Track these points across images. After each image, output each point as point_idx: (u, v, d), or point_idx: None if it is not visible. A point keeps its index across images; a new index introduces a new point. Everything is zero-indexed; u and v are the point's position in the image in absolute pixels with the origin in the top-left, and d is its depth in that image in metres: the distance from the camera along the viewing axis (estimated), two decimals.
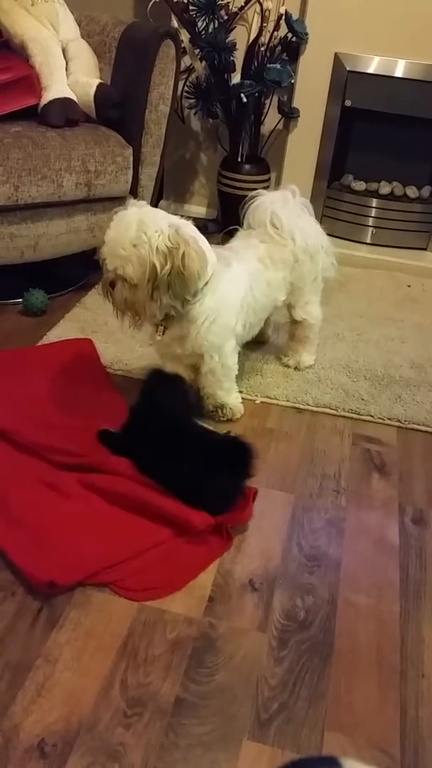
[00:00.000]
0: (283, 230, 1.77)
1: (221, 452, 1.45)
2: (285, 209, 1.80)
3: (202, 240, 1.56)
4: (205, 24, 2.71)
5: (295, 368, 2.00)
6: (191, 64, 2.79)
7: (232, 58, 2.72)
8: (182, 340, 1.63)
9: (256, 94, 2.71)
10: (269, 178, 3.00)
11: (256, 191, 1.87)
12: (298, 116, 2.82)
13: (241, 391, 1.82)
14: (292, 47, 2.70)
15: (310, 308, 1.93)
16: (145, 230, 1.44)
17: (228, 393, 1.74)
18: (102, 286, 1.55)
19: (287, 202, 1.83)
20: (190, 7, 2.67)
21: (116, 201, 2.25)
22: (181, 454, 1.41)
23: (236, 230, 1.88)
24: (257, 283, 1.71)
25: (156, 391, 1.53)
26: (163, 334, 1.61)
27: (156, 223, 1.46)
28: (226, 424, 1.72)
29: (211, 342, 1.62)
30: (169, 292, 1.48)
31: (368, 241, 2.94)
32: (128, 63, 2.28)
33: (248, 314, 1.70)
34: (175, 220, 1.52)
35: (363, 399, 1.90)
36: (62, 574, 1.23)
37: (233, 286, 1.64)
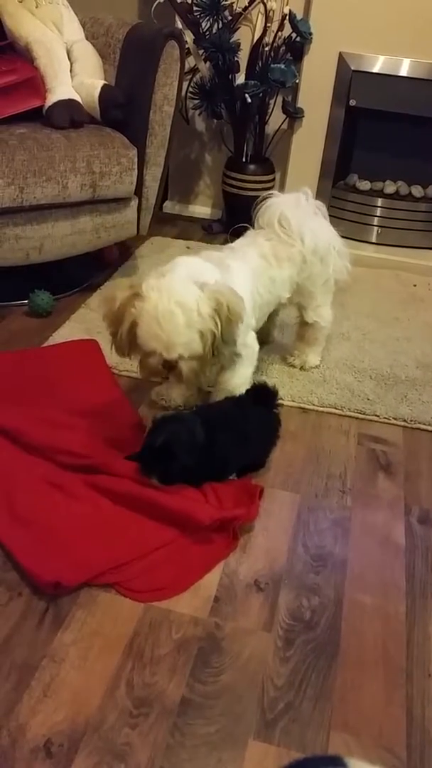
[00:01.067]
0: (292, 231, 1.78)
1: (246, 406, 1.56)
2: (295, 210, 1.80)
3: (217, 275, 1.54)
4: (209, 24, 2.71)
5: (301, 368, 2.00)
6: (195, 65, 2.80)
7: (236, 58, 2.73)
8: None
9: (261, 94, 2.71)
10: (274, 178, 3.00)
11: (269, 192, 1.88)
12: (303, 116, 2.82)
13: None
14: (297, 47, 2.71)
15: (321, 311, 1.93)
16: (187, 308, 1.41)
17: (245, 382, 1.69)
18: (150, 372, 1.51)
19: (299, 204, 1.83)
20: (194, 8, 2.68)
21: (121, 202, 2.26)
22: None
23: (245, 229, 1.88)
24: (260, 279, 1.72)
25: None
26: None
27: (189, 293, 1.43)
28: None
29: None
30: (225, 345, 1.49)
31: (374, 240, 2.94)
32: (132, 64, 2.28)
33: (254, 309, 1.70)
34: (192, 274, 1.49)
35: (369, 399, 1.89)
36: (68, 574, 1.23)
37: (239, 286, 1.62)
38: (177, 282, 1.45)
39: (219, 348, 1.47)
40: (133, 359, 1.54)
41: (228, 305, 1.45)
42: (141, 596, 1.24)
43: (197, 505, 1.38)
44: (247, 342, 1.67)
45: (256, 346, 1.72)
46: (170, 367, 1.47)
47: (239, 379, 1.68)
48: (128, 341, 1.48)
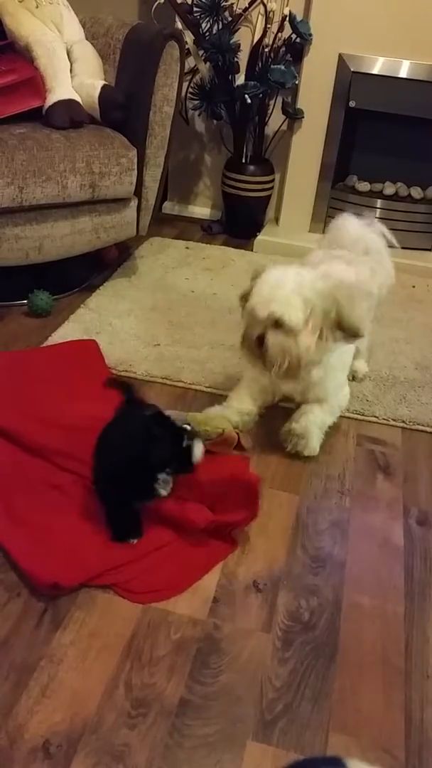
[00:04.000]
0: (377, 257, 1.78)
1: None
2: (379, 240, 1.81)
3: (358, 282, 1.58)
4: (209, 25, 2.71)
5: (353, 379, 1.95)
6: (195, 66, 2.80)
7: (236, 59, 2.73)
8: (303, 393, 1.64)
9: (260, 95, 2.71)
10: (273, 179, 3.00)
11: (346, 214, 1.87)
12: (302, 117, 2.82)
13: None
14: (296, 48, 2.71)
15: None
16: (300, 278, 1.45)
17: (321, 434, 1.65)
18: (245, 341, 1.50)
19: (374, 229, 1.83)
20: (194, 9, 2.68)
21: (120, 202, 2.26)
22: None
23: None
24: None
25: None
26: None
27: (307, 272, 1.48)
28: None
29: (331, 392, 1.64)
30: (336, 331, 1.46)
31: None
32: (132, 65, 2.28)
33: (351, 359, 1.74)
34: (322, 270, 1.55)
35: (368, 400, 1.90)
36: (65, 575, 1.23)
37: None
38: (300, 267, 1.50)
39: (333, 330, 1.45)
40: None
41: (351, 287, 1.45)
42: (138, 597, 1.24)
43: (192, 508, 1.38)
44: (341, 393, 1.67)
45: (345, 401, 1.70)
46: (261, 341, 1.46)
47: (307, 422, 1.61)
48: (243, 308, 1.51)
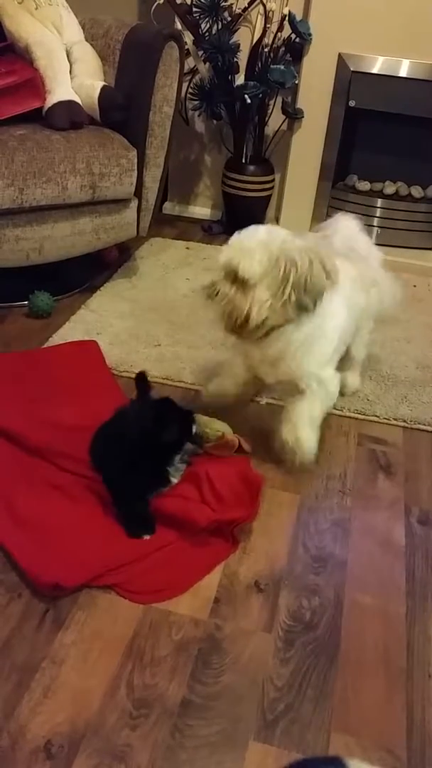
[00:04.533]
0: (369, 255, 1.73)
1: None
2: (364, 234, 1.75)
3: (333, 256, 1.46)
4: (208, 25, 2.71)
5: (342, 394, 1.80)
6: (195, 66, 2.80)
7: (235, 59, 2.73)
8: (275, 364, 1.49)
9: (260, 95, 2.71)
10: (273, 179, 3.00)
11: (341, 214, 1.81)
12: (302, 117, 2.82)
13: None
14: (296, 48, 2.71)
15: (366, 340, 1.87)
16: (274, 234, 1.37)
17: (313, 433, 1.54)
18: (208, 287, 1.40)
19: (361, 228, 1.78)
20: (194, 9, 2.68)
21: (121, 203, 2.26)
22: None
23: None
24: (352, 309, 1.57)
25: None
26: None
27: (286, 231, 1.39)
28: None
29: (308, 370, 1.49)
30: (294, 296, 1.34)
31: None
32: (132, 65, 2.29)
33: (340, 343, 1.56)
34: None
35: (368, 399, 1.90)
36: (67, 576, 1.23)
37: (332, 313, 1.48)
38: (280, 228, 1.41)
39: (292, 291, 1.33)
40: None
41: (322, 256, 1.35)
42: (140, 598, 1.24)
43: (194, 507, 1.38)
44: (323, 376, 1.50)
45: (333, 387, 1.53)
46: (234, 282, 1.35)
47: (305, 413, 1.51)
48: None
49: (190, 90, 2.86)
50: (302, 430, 1.52)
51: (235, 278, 1.36)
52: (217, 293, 1.37)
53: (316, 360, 1.49)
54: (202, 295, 1.42)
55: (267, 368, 1.53)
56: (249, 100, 2.69)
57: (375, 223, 2.91)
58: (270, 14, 2.68)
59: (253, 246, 1.35)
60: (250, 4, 2.70)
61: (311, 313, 1.39)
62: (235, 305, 1.36)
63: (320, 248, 1.40)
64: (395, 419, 1.83)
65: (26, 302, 2.20)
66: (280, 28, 2.69)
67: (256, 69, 2.73)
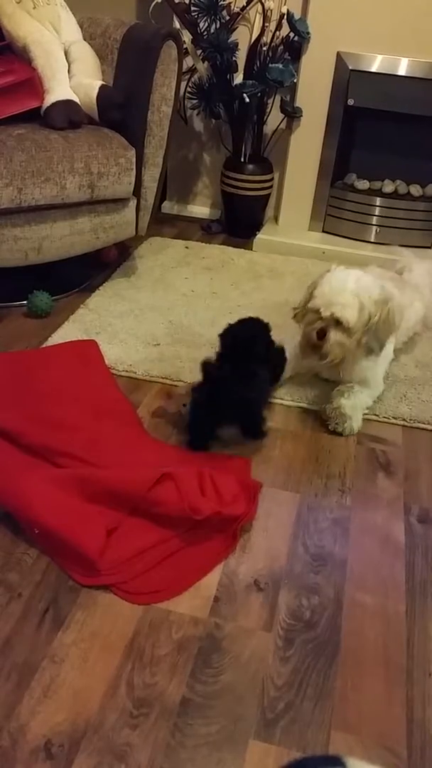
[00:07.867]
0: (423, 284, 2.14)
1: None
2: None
3: (396, 291, 1.82)
4: (207, 24, 2.71)
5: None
6: (193, 65, 2.80)
7: (234, 58, 2.73)
8: (332, 373, 1.84)
9: (259, 93, 2.71)
10: (272, 178, 3.00)
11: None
12: (301, 116, 2.82)
13: None
14: (295, 47, 2.71)
15: None
16: (362, 284, 1.67)
17: (360, 414, 1.78)
18: (305, 337, 1.72)
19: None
20: (192, 8, 2.68)
21: (119, 202, 2.26)
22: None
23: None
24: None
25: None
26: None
27: (368, 279, 1.70)
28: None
29: (374, 375, 1.84)
30: (373, 337, 1.67)
31: (372, 239, 2.94)
32: (130, 64, 2.28)
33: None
34: (380, 276, 1.81)
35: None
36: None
37: (387, 352, 1.86)
38: (362, 272, 1.73)
39: (369, 336, 1.66)
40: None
41: (391, 310, 1.68)
42: (138, 599, 1.24)
43: (195, 498, 1.37)
44: (377, 375, 1.84)
45: (381, 386, 1.86)
46: (323, 334, 1.67)
47: (354, 402, 1.77)
48: (304, 304, 1.75)
49: (188, 89, 2.86)
50: (358, 409, 1.78)
51: (335, 324, 1.66)
52: (322, 337, 1.69)
53: (382, 369, 1.88)
54: (302, 341, 1.75)
55: (326, 372, 1.87)
56: (248, 99, 2.69)
57: (374, 222, 2.91)
58: (268, 13, 2.68)
59: (349, 297, 1.65)
60: (248, 2, 2.70)
61: (376, 356, 1.74)
62: (343, 348, 1.68)
63: (393, 293, 1.75)
64: (395, 418, 1.83)
65: (25, 302, 2.20)
66: (279, 26, 2.69)
67: (255, 68, 2.73)
